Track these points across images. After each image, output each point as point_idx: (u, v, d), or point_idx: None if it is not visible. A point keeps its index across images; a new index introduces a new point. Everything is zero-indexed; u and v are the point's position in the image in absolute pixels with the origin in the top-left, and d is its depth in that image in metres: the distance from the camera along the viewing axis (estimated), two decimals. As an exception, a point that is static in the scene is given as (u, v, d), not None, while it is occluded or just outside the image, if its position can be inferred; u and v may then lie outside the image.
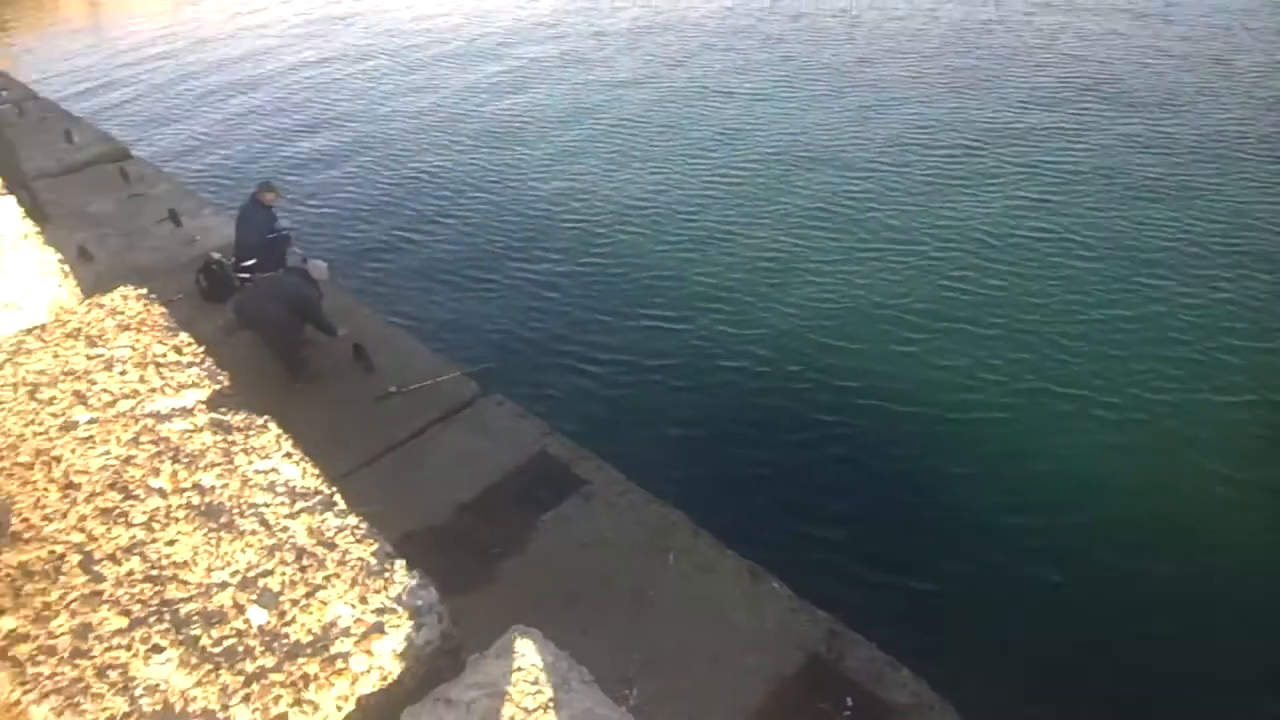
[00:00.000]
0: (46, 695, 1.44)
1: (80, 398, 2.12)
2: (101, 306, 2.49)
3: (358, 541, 1.68)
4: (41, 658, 1.50)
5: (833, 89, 16.16)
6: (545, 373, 8.56)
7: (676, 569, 5.21)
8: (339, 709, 1.42)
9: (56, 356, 2.27)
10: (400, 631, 1.51)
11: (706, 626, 4.85)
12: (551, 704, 1.36)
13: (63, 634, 1.54)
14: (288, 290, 7.44)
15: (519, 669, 1.42)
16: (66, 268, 2.68)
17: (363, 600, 1.56)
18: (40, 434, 2.01)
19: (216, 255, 9.04)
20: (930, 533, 6.38)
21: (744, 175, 12.74)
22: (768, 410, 7.83)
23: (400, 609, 1.54)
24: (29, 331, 2.40)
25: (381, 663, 1.47)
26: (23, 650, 1.52)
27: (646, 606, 4.96)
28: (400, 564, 1.63)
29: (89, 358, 2.25)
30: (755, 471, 7.07)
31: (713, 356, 8.62)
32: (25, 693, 1.45)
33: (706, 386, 8.21)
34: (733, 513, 6.30)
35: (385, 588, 1.58)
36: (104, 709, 1.41)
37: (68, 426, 2.03)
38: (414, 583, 1.59)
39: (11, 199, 3.17)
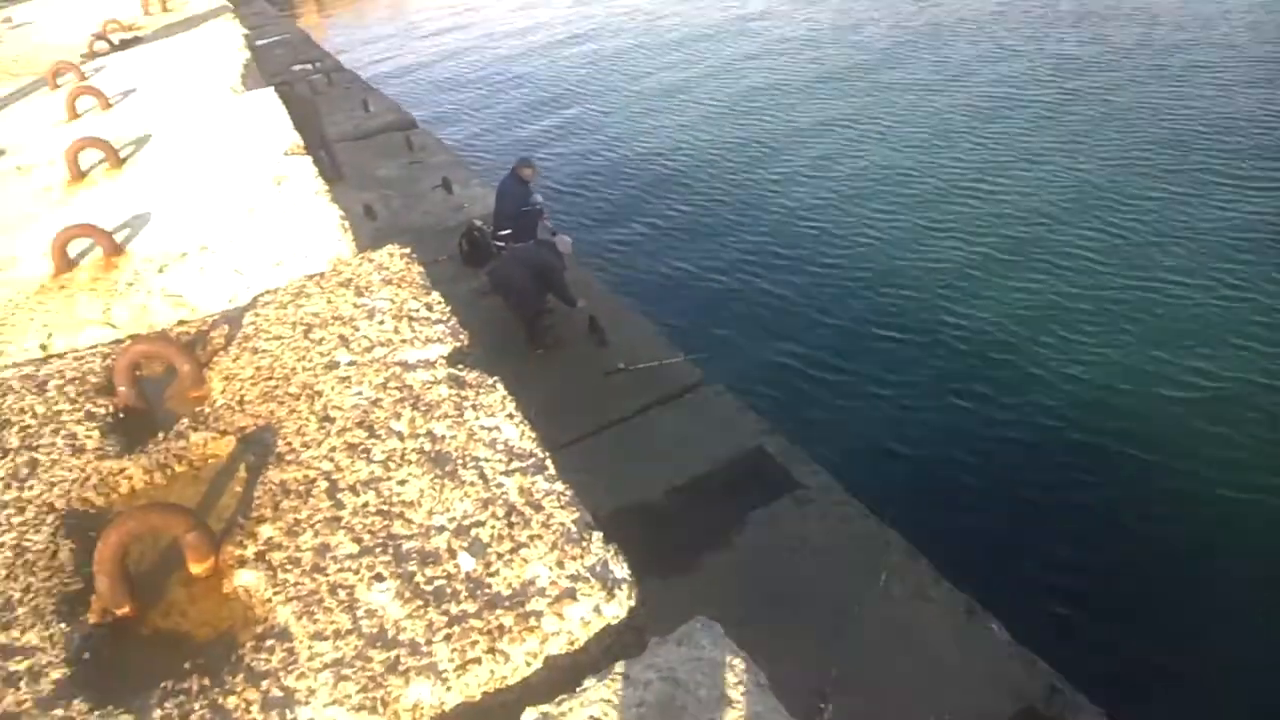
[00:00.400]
0: (290, 600, 1.62)
1: (344, 341, 2.36)
2: (371, 261, 2.76)
3: (562, 508, 1.74)
4: (289, 566, 1.69)
5: (1121, 96, 14.61)
6: (767, 372, 8.50)
7: (887, 591, 4.98)
8: (527, 664, 1.48)
9: (329, 302, 2.54)
10: (590, 601, 1.54)
11: (911, 656, 4.60)
12: (723, 700, 1.34)
13: (307, 550, 1.73)
14: (535, 260, 7.92)
15: (697, 659, 1.41)
16: (348, 224, 2.99)
17: (560, 565, 1.62)
18: (308, 369, 2.27)
19: (479, 223, 9.79)
20: (1176, 601, 5.67)
21: (1011, 198, 11.74)
22: (1005, 445, 7.29)
23: (593, 579, 1.58)
24: (310, 278, 2.71)
25: (570, 628, 1.52)
26: (276, 557, 1.72)
27: (849, 624, 4.78)
28: (598, 536, 1.67)
29: (355, 306, 2.51)
30: (985, 506, 6.62)
31: (951, 383, 8.13)
32: (276, 593, 1.64)
33: (940, 412, 7.78)
34: (955, 543, 5.92)
35: (582, 556, 1.63)
36: (331, 622, 1.56)
37: (330, 366, 2.27)
38: (609, 556, 1.63)
39: (310, 159, 3.59)
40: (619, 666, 1.41)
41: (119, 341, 2.59)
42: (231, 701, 1.45)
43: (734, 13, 23.81)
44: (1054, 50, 17.16)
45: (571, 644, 1.51)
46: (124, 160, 4.01)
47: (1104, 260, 9.78)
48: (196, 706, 1.45)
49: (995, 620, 4.78)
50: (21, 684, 1.53)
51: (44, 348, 2.63)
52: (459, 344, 2.31)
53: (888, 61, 17.97)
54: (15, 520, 1.92)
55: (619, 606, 1.56)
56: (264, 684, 1.47)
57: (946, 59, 17.50)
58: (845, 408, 7.98)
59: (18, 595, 1.72)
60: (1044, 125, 13.75)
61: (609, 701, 1.36)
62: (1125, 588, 5.85)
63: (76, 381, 2.39)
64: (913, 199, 11.80)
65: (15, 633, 1.63)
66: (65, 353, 2.59)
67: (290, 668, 1.49)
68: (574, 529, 1.69)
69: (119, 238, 3.14)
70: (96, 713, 1.46)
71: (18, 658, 1.58)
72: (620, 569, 1.61)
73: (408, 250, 2.81)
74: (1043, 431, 7.37)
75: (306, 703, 1.42)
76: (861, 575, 5.07)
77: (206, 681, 1.49)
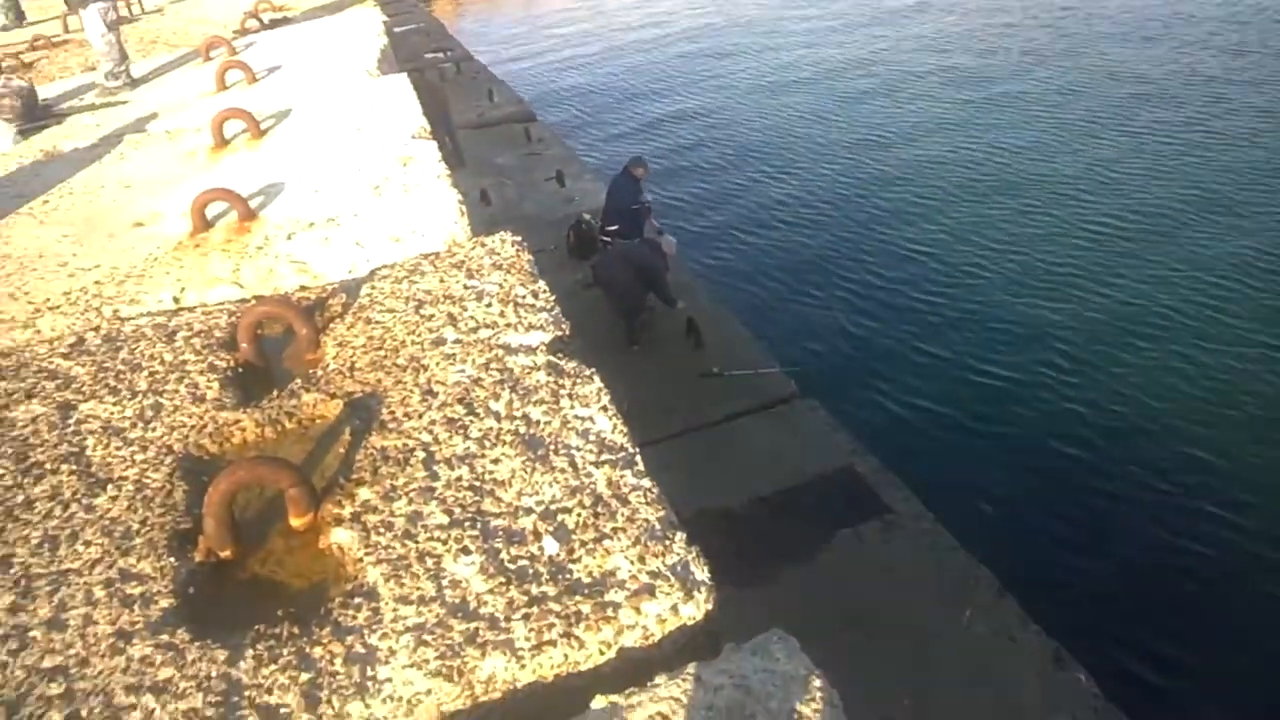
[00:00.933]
0: (380, 562, 1.68)
1: (452, 320, 2.43)
2: (483, 245, 2.83)
3: (648, 504, 1.75)
4: (382, 530, 1.76)
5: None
6: (862, 393, 8.31)
7: (971, 627, 4.80)
8: (600, 653, 1.49)
9: (442, 281, 2.62)
10: (668, 599, 1.54)
11: (991, 697, 4.42)
12: (794, 715, 1.31)
13: (400, 516, 1.79)
14: (639, 258, 7.97)
15: (770, 671, 1.39)
16: (465, 208, 3.08)
17: (641, 560, 1.62)
18: (417, 344, 2.35)
19: (587, 217, 9.91)
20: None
21: (1136, 220, 11.14)
22: (1108, 498, 6.92)
23: (673, 578, 1.58)
24: (426, 256, 2.81)
25: (646, 623, 1.52)
26: (371, 519, 1.79)
27: (929, 657, 4.63)
28: (681, 536, 1.67)
29: (465, 287, 2.58)
30: (1081, 556, 6.31)
31: (1055, 426, 7.75)
32: (367, 554, 1.70)
33: (1041, 455, 7.43)
34: (1044, 589, 5.64)
35: (663, 554, 1.63)
36: (417, 588, 1.61)
37: (438, 342, 2.34)
38: (690, 557, 1.62)
39: (435, 144, 3.71)
40: (691, 667, 1.41)
41: (244, 301, 2.74)
42: (317, 652, 1.51)
43: (865, 12, 23.48)
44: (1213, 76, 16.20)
45: (646, 639, 1.52)
46: (264, 132, 4.24)
47: (1240, 317, 9.16)
48: (285, 652, 1.51)
49: (1083, 671, 4.55)
50: (135, 607, 1.64)
51: (176, 300, 2.80)
52: (560, 333, 2.35)
53: (1021, 71, 17.32)
54: (138, 458, 2.06)
55: (696, 608, 1.55)
56: (349, 639, 1.52)
57: (1088, 80, 16.72)
58: (940, 439, 7.73)
59: (136, 526, 1.84)
60: (1197, 158, 12.96)
61: (678, 700, 1.35)
62: (1227, 653, 5.49)
63: (203, 335, 2.53)
64: (1034, 233, 11.28)
65: (132, 560, 1.75)
66: (195, 307, 2.76)
67: (374, 627, 1.54)
68: (658, 526, 1.70)
69: (253, 204, 3.32)
70: (196, 644, 1.55)
71: (133, 583, 1.69)
72: (701, 571, 1.61)
73: (519, 238, 2.87)
74: (1152, 490, 6.93)
75: (386, 662, 1.47)
76: (946, 608, 4.89)
77: (296, 630, 1.56)
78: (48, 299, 2.85)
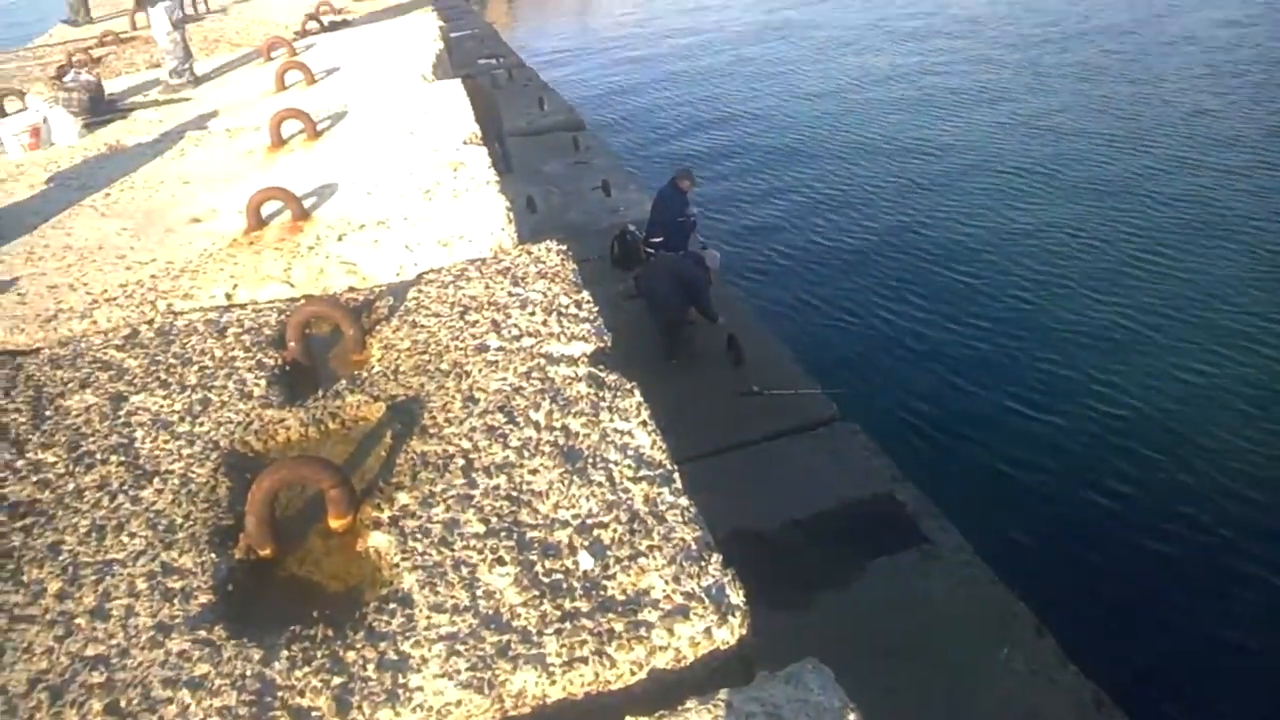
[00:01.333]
0: (415, 569, 1.68)
1: (496, 327, 2.43)
2: (529, 253, 2.84)
3: (684, 523, 1.73)
4: (419, 536, 1.76)
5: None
6: (904, 419, 8.18)
7: (1009, 665, 4.68)
8: (632, 673, 1.48)
9: (487, 288, 2.63)
10: (702, 622, 1.52)
11: (1027, 739, 4.31)
12: (831, 751, 1.29)
13: (437, 522, 1.79)
14: (682, 271, 7.96)
15: (803, 701, 1.37)
16: (512, 214, 3.09)
17: (676, 580, 1.60)
18: (460, 349, 2.36)
19: (632, 228, 9.93)
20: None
21: (1207, 271, 10.77)
22: (1154, 532, 6.73)
23: (707, 601, 1.56)
24: (472, 262, 2.82)
25: (678, 645, 1.50)
26: (409, 525, 1.79)
27: (964, 695, 4.51)
28: (717, 558, 1.65)
29: (510, 294, 2.58)
30: (1122, 592, 6.14)
31: (1100, 458, 7.56)
32: (404, 559, 1.70)
33: (1081, 486, 7.26)
34: (1083, 627, 5.49)
35: (699, 575, 1.61)
36: (451, 597, 1.61)
37: (481, 349, 2.35)
38: (725, 580, 1.60)
39: (485, 150, 3.74)
40: (723, 693, 1.39)
41: (294, 300, 2.78)
42: (350, 656, 1.51)
43: (919, 26, 23.29)
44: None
45: (678, 661, 1.50)
46: (320, 133, 4.31)
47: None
48: (319, 655, 1.52)
49: (1125, 717, 4.42)
50: (175, 600, 1.66)
51: (229, 297, 2.85)
52: (602, 344, 2.34)
53: (1079, 94, 17.03)
54: (184, 451, 2.09)
55: (730, 633, 1.53)
56: (382, 645, 1.52)
57: (1145, 102, 16.38)
58: (980, 470, 7.56)
59: (179, 520, 1.86)
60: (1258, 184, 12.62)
61: (708, 726, 1.33)
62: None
63: (253, 332, 2.57)
64: (1087, 264, 11.02)
65: (175, 553, 1.77)
66: (246, 304, 2.80)
67: (408, 634, 1.54)
68: (694, 547, 1.68)
69: (307, 204, 3.38)
70: (233, 641, 1.56)
71: (175, 576, 1.72)
72: (736, 595, 1.58)
73: (564, 247, 2.88)
74: (1202, 540, 6.68)
75: (419, 670, 1.47)
76: (983, 644, 4.77)
77: (330, 632, 1.56)
78: (105, 290, 2.92)
